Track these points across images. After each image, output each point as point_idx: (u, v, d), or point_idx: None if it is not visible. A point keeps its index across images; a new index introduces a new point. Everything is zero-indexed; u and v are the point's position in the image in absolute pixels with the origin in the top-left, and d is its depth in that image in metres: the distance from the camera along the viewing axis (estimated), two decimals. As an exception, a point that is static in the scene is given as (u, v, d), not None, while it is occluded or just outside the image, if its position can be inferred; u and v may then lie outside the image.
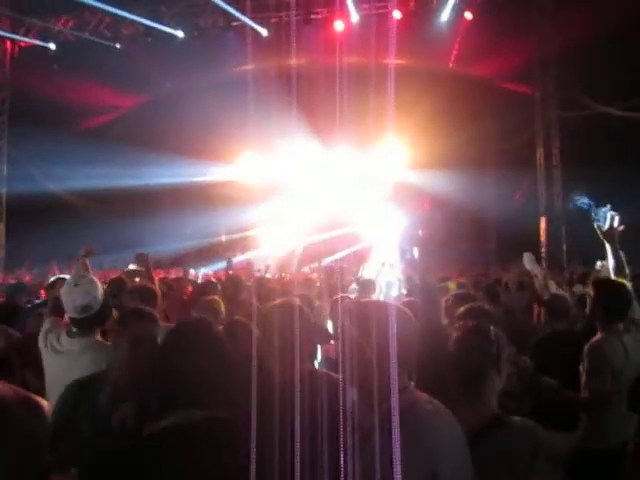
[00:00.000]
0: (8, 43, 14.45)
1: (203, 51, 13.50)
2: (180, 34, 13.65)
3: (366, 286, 5.73)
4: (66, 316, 3.10)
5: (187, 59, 13.39)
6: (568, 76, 12.09)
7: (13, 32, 14.13)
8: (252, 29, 13.18)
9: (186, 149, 12.99)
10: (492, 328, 2.21)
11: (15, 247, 13.67)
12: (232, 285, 5.32)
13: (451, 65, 13.43)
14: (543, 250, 13.21)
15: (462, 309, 2.88)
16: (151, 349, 2.21)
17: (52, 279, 4.41)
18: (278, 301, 2.51)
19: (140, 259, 4.80)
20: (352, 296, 5.11)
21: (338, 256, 10.73)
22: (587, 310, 3.41)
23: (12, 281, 8.48)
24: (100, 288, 3.09)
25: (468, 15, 12.87)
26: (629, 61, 9.65)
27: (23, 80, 13.65)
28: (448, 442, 1.77)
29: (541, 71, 13.15)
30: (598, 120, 11.17)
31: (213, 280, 5.85)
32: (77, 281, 3.09)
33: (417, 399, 1.84)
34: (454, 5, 12.76)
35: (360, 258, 12.97)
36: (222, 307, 3.99)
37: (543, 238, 13.33)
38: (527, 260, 5.46)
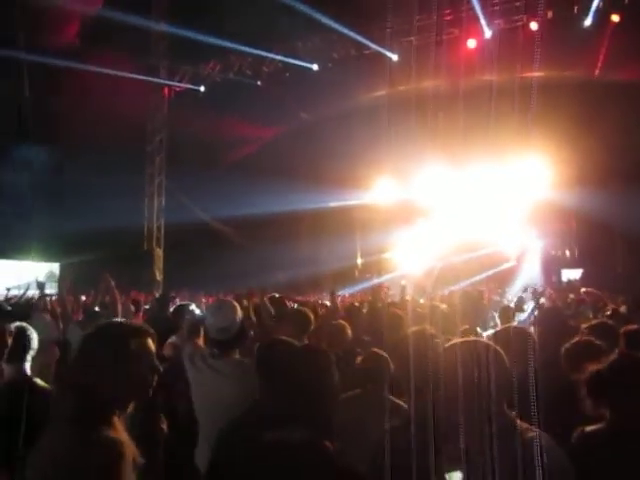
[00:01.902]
0: (166, 89, 16.16)
1: (337, 81, 14.01)
2: (315, 67, 14.30)
3: (507, 313, 5.49)
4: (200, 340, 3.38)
5: (322, 90, 13.97)
6: None
7: (169, 79, 15.80)
8: (383, 55, 13.43)
9: (323, 176, 13.49)
10: None
11: (172, 271, 15.05)
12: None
13: (597, 72, 12.55)
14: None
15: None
16: None
17: (175, 306, 4.51)
18: (412, 330, 2.50)
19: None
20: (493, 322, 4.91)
21: (477, 279, 10.39)
22: None
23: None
24: (239, 312, 3.31)
25: (615, 17, 11.99)
26: None
27: (177, 121, 15.15)
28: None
29: None
30: None
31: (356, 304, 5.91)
32: (220, 305, 3.36)
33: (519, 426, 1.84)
34: (598, 8, 11.96)
35: (502, 281, 12.42)
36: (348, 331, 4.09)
37: None
38: None
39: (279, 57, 14.15)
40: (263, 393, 2.34)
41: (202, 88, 15.58)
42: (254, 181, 13.17)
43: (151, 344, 1.84)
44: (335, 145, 13.19)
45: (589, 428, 2.14)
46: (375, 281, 14.71)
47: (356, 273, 16.28)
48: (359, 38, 13.17)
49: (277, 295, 5.60)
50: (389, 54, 13.50)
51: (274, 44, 14.03)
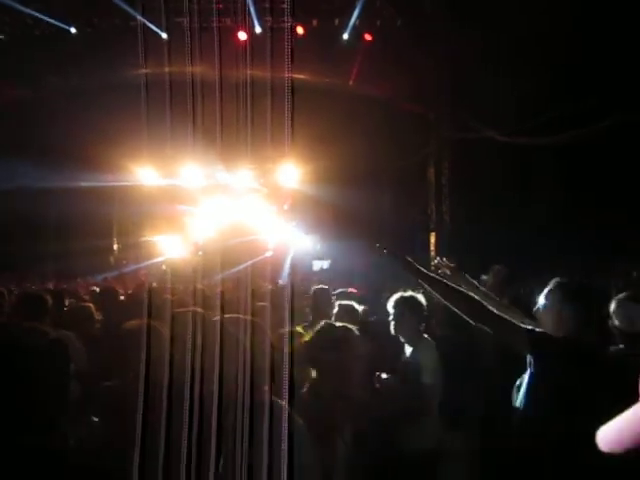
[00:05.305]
0: None
1: (98, 50, 12.85)
2: (73, 30, 12.91)
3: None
4: None
5: (80, 57, 12.69)
6: (459, 99, 12.87)
7: None
8: (151, 31, 12.75)
9: (75, 152, 12.26)
10: None
11: None
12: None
13: (351, 83, 13.82)
14: (432, 264, 13.88)
15: None
16: None
17: None
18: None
19: None
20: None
21: (238, 268, 10.58)
22: None
23: None
24: None
25: (368, 37, 13.32)
26: (514, 89, 10.45)
27: None
28: None
29: (435, 93, 13.88)
30: (485, 143, 11.98)
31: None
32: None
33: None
34: (355, 26, 13.16)
35: (262, 270, 12.90)
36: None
37: (433, 253, 14.03)
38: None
39: (28, 11, 12.39)
40: None
41: None
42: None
43: None
44: (91, 120, 12.09)
45: None
46: (131, 267, 14.04)
47: (112, 259, 15.30)
48: (125, 7, 12.28)
49: None
50: (158, 31, 12.88)
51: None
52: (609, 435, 0.78)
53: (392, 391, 3.30)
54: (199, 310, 3.04)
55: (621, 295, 3.35)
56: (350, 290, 6.78)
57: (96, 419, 2.19)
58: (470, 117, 12.23)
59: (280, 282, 9.19)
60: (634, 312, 3.51)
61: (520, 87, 10.15)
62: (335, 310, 4.44)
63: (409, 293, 3.96)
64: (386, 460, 2.73)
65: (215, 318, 2.31)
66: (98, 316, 3.90)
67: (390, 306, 3.85)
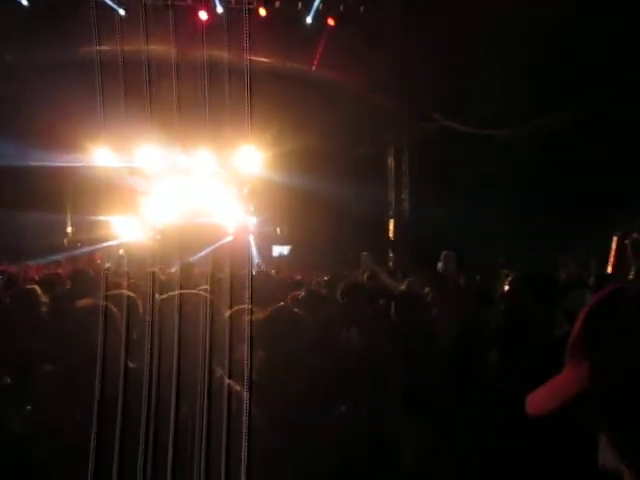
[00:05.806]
0: None
1: (53, 25, 12.32)
2: (25, 2, 12.36)
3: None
4: None
5: (34, 32, 12.16)
6: (420, 89, 12.93)
7: None
8: (109, 7, 12.33)
9: (26, 131, 11.79)
10: None
11: None
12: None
13: (313, 68, 13.72)
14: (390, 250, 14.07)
15: None
16: None
17: None
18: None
19: None
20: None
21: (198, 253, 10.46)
22: None
23: None
24: None
25: (331, 21, 13.23)
26: (473, 78, 10.54)
27: None
28: None
29: (396, 82, 13.91)
30: (445, 132, 12.10)
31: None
32: None
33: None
34: (317, 10, 13.04)
35: (223, 255, 12.78)
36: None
37: (392, 239, 14.21)
38: (365, 260, 5.85)
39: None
40: None
41: None
42: None
43: None
44: (44, 98, 11.63)
45: None
46: (87, 250, 13.70)
47: (65, 242, 14.86)
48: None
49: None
50: (115, 7, 12.46)
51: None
52: (535, 400, 0.90)
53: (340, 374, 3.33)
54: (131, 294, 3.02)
55: (578, 281, 3.47)
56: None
57: (29, 407, 2.12)
58: (431, 106, 12.34)
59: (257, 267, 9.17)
60: (588, 298, 3.66)
61: (485, 74, 10.24)
62: (301, 294, 4.43)
63: (359, 280, 4.01)
64: (340, 446, 2.76)
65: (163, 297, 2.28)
66: (45, 299, 3.78)
67: (339, 293, 3.88)
